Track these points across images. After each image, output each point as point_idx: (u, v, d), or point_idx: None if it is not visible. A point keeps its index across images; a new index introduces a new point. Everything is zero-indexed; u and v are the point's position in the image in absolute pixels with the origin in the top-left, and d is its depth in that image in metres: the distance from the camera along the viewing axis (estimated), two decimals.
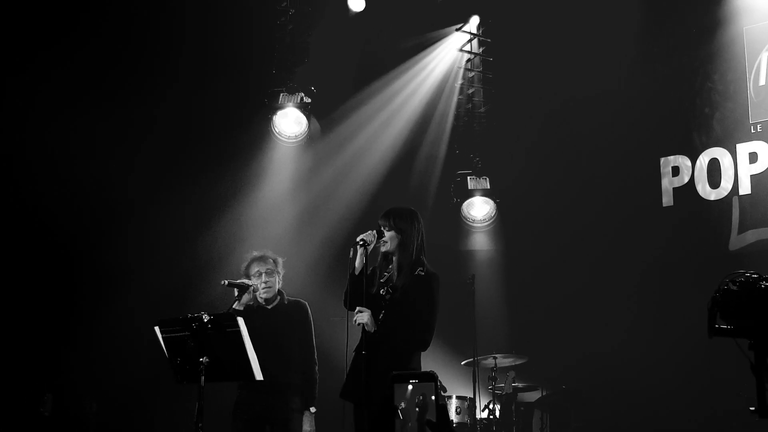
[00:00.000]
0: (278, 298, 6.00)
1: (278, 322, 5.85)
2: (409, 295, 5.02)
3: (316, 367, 5.96)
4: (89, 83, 7.94)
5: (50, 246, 7.74)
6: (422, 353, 5.11)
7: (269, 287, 5.92)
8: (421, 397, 1.98)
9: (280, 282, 6.04)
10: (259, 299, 5.91)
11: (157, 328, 4.86)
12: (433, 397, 1.98)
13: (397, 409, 1.98)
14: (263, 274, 5.90)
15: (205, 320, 4.72)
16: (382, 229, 5.13)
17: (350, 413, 5.13)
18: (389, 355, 4.89)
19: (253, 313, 5.75)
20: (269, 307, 5.96)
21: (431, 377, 2.00)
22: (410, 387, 1.99)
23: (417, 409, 1.99)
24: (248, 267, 5.96)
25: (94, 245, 7.91)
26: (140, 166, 8.19)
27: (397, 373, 1.94)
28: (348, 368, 5.10)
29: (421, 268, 5.09)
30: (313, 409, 5.85)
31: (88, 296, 7.80)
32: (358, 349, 5.04)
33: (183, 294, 7.73)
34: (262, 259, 5.97)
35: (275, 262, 6.01)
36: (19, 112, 7.67)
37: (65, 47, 7.80)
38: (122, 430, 7.79)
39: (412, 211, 5.26)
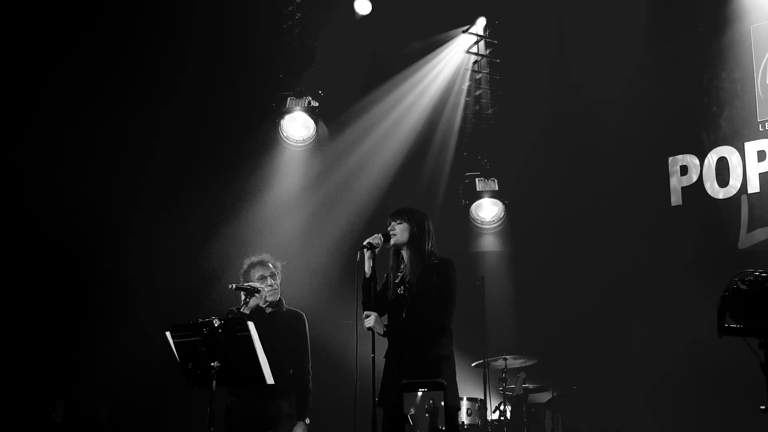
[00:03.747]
0: (279, 303, 5.97)
1: (274, 328, 5.75)
2: (427, 284, 5.04)
3: (310, 377, 5.89)
4: (96, 91, 7.99)
5: (60, 253, 7.78)
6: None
7: (275, 289, 5.89)
8: (430, 403, 1.99)
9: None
10: (261, 304, 5.84)
11: (168, 333, 4.88)
12: (442, 404, 1.99)
13: (407, 415, 1.99)
14: (268, 278, 5.86)
15: (216, 325, 4.73)
16: (393, 223, 5.17)
17: (362, 419, 5.13)
18: (417, 348, 4.92)
19: (251, 316, 5.62)
20: (267, 312, 5.91)
21: (440, 386, 2.01)
22: (419, 394, 2.00)
23: (427, 415, 1.99)
24: (248, 273, 5.90)
25: (103, 252, 7.94)
26: (149, 172, 8.22)
27: (407, 381, 1.95)
28: (377, 374, 5.09)
29: (434, 258, 5.14)
30: (307, 420, 5.78)
31: (99, 302, 7.83)
32: (387, 355, 5.07)
33: (193, 299, 7.75)
34: (262, 263, 5.93)
35: (275, 265, 5.99)
36: (26, 121, 7.71)
37: (70, 55, 7.84)
38: None
39: (423, 211, 5.33)
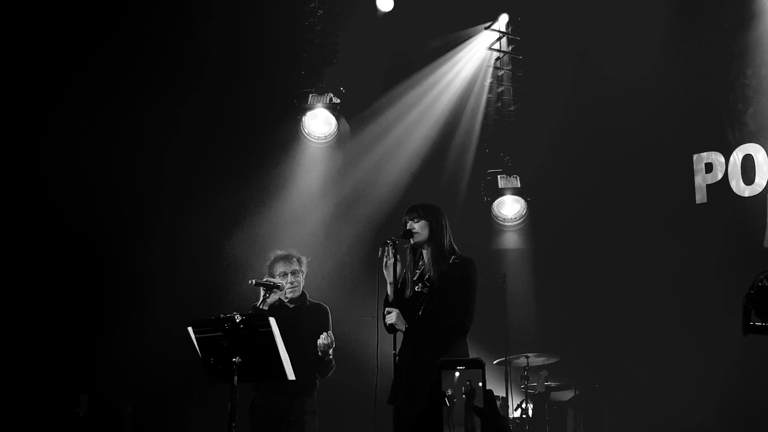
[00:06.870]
0: (301, 298, 5.98)
1: (298, 323, 5.77)
2: (448, 282, 5.02)
3: (333, 363, 5.88)
4: (118, 87, 8.03)
5: (83, 248, 7.83)
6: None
7: (295, 287, 5.91)
8: (467, 384, 1.96)
9: (303, 281, 6.02)
10: (284, 299, 5.88)
11: (190, 329, 4.89)
12: (480, 384, 1.96)
13: (444, 395, 1.97)
14: (289, 274, 5.88)
15: (238, 320, 4.74)
16: (411, 221, 5.15)
17: (382, 415, 5.12)
18: (433, 347, 4.90)
19: (274, 311, 5.63)
20: (291, 306, 5.93)
21: (478, 364, 1.99)
22: (457, 374, 1.98)
23: (464, 396, 1.97)
24: (272, 266, 5.94)
25: (126, 247, 7.98)
26: (170, 169, 8.25)
27: (444, 359, 1.94)
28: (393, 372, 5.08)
29: (455, 256, 5.11)
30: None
31: (122, 297, 7.87)
32: (401, 352, 5.05)
33: (215, 295, 7.78)
34: (286, 258, 5.94)
35: (299, 261, 5.99)
36: (51, 116, 7.76)
37: (92, 51, 7.89)
38: (157, 430, 7.85)
39: (437, 206, 5.32)
